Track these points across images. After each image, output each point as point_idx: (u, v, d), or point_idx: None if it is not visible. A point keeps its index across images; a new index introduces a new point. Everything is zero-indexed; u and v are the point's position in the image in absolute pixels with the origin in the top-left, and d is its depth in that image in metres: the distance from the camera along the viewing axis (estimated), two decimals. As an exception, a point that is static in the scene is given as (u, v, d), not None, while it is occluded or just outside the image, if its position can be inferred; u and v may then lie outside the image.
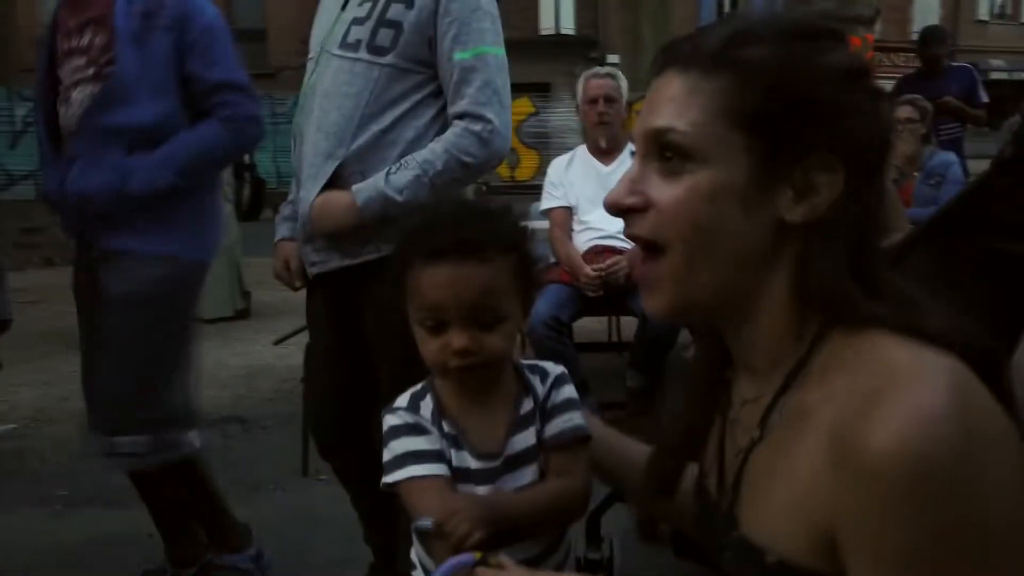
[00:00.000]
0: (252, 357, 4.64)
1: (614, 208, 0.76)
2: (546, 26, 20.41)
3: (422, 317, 0.96)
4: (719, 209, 0.70)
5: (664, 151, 0.73)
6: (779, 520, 0.69)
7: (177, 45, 1.85)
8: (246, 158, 5.96)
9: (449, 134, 1.64)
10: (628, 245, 3.06)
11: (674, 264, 0.73)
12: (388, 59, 1.64)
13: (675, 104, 0.72)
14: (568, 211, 3.22)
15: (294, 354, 4.27)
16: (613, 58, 15.58)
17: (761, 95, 0.70)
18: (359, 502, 1.91)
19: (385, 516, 1.71)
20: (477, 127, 1.62)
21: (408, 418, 0.98)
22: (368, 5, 1.68)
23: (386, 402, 1.67)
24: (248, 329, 5.36)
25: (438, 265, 0.94)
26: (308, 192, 1.69)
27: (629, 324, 3.55)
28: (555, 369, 1.05)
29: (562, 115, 16.09)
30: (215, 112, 1.88)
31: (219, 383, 4.17)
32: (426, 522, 0.90)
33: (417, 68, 1.66)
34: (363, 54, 1.66)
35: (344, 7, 1.73)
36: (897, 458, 0.58)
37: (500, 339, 0.96)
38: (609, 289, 2.98)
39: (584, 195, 3.18)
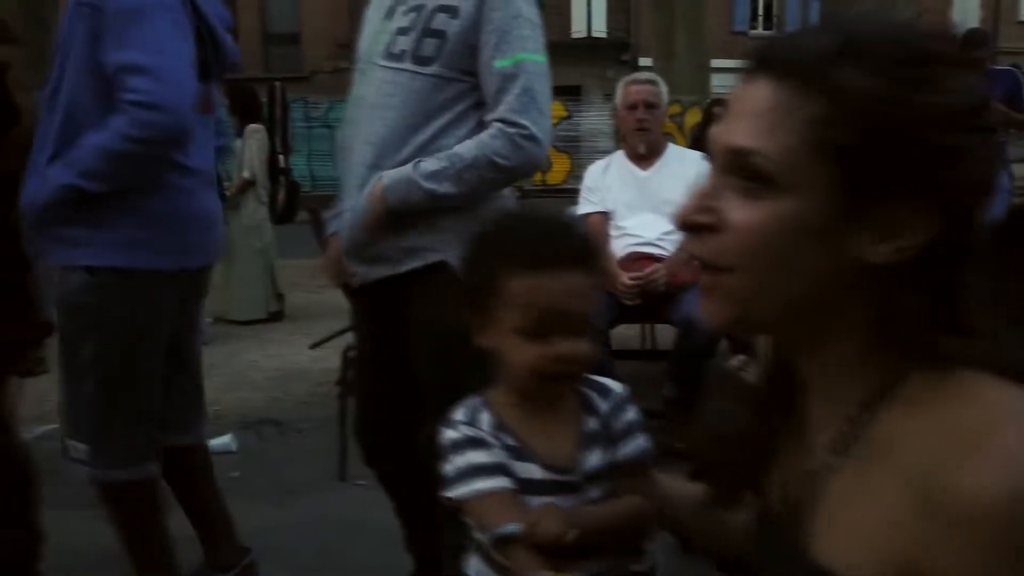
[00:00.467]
0: (286, 359, 4.67)
1: (683, 225, 0.73)
2: (578, 29, 20.41)
3: (525, 325, 0.96)
4: (794, 241, 0.66)
5: (745, 171, 0.68)
6: (850, 549, 0.67)
7: (93, 33, 1.67)
8: (281, 161, 5.97)
9: (484, 134, 1.63)
10: (666, 252, 3.04)
11: (738, 284, 0.70)
12: (432, 69, 1.64)
13: (765, 122, 0.67)
14: (605, 217, 3.20)
15: (329, 357, 4.29)
16: (645, 61, 15.56)
17: (861, 131, 0.64)
18: (403, 511, 1.91)
19: (430, 526, 1.71)
20: (511, 131, 1.62)
21: (468, 432, 0.98)
22: (412, 15, 1.68)
23: (427, 413, 1.68)
24: (282, 331, 5.40)
25: (550, 273, 0.95)
26: (354, 200, 1.69)
27: (662, 331, 3.52)
28: (616, 387, 1.05)
29: (593, 119, 16.07)
30: (120, 101, 1.65)
31: (253, 385, 4.20)
32: (510, 528, 0.89)
33: (461, 77, 1.65)
34: (408, 64, 1.65)
35: (388, 17, 1.73)
36: (995, 503, 0.56)
37: (591, 346, 0.98)
38: (647, 297, 2.95)
39: (621, 201, 3.15)
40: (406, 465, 1.73)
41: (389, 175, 1.63)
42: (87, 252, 1.72)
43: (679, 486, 1.01)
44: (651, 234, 3.03)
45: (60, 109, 1.70)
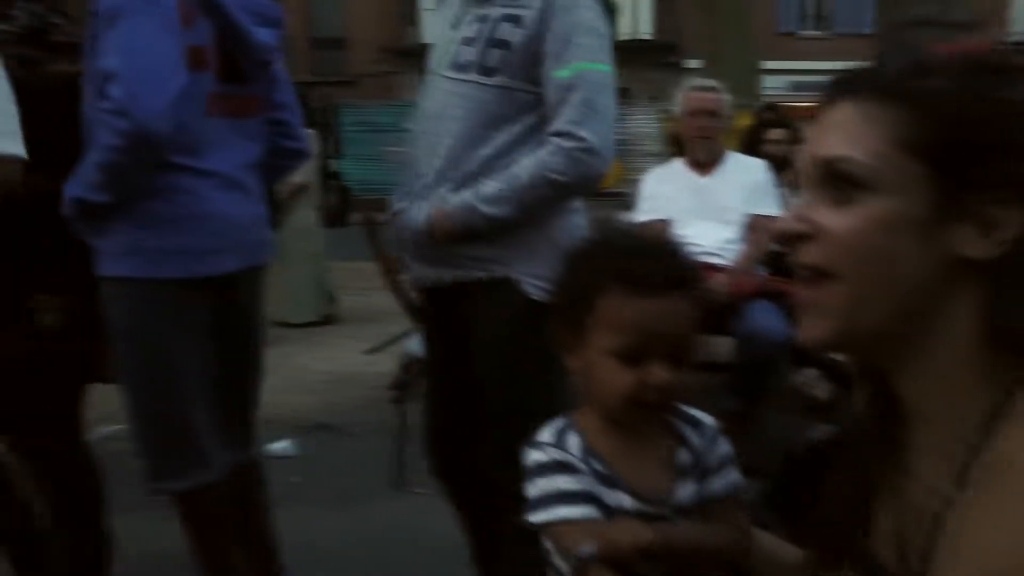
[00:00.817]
0: (339, 363, 4.70)
1: (782, 236, 0.74)
2: (624, 31, 20.28)
3: (621, 348, 0.93)
4: (892, 240, 0.68)
5: (836, 180, 0.70)
6: None
7: (93, 42, 1.65)
8: (331, 165, 6.02)
9: (541, 151, 1.61)
10: (727, 262, 2.98)
11: (842, 293, 0.70)
12: (497, 79, 1.63)
13: (849, 132, 0.70)
14: (664, 224, 3.15)
15: (382, 360, 4.30)
16: (692, 63, 15.40)
17: (943, 127, 0.67)
18: (471, 526, 1.89)
19: (498, 543, 1.69)
20: (569, 144, 1.58)
21: (556, 455, 0.95)
22: (478, 25, 1.66)
23: (491, 429, 1.66)
24: (334, 334, 5.44)
25: (651, 296, 0.92)
26: (418, 212, 1.68)
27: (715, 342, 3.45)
28: (708, 420, 1.02)
29: (641, 121, 15.94)
30: (101, 109, 1.63)
31: (307, 389, 4.23)
32: (588, 548, 0.88)
33: (527, 88, 1.64)
34: (473, 75, 1.64)
35: (455, 27, 1.72)
36: None
37: (685, 376, 0.95)
38: (708, 308, 2.89)
39: (681, 208, 3.09)
40: (476, 479, 1.71)
41: (452, 202, 1.62)
42: (103, 263, 1.72)
43: (770, 541, 0.98)
44: (712, 243, 2.97)
45: (86, 123, 1.71)
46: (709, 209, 3.06)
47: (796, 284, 0.75)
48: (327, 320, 5.74)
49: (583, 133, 1.58)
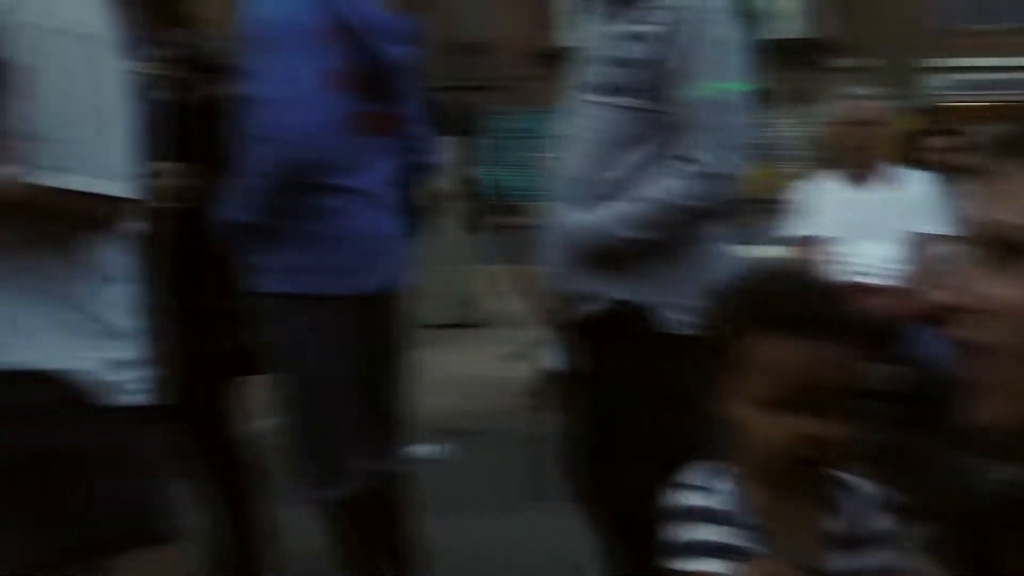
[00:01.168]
0: (475, 367, 4.74)
1: (942, 308, 0.69)
2: (774, 30, 19.63)
3: (770, 395, 0.87)
4: None
5: (1003, 247, 0.65)
6: None
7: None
8: (473, 171, 6.14)
9: (666, 174, 1.58)
10: (888, 282, 2.81)
11: (1016, 372, 0.64)
12: (625, 99, 1.61)
13: (1017, 195, 0.65)
14: (819, 241, 3.00)
15: (518, 366, 4.32)
16: (846, 62, 14.71)
17: None
18: (607, 553, 1.86)
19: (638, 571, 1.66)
20: (687, 168, 1.56)
21: (706, 502, 0.91)
22: (607, 43, 1.66)
23: (624, 459, 1.63)
24: (471, 338, 5.51)
25: (806, 340, 0.86)
26: (556, 236, 1.70)
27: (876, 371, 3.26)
28: (872, 490, 0.95)
29: (791, 125, 15.39)
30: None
31: (444, 393, 4.28)
32: None
33: (656, 107, 1.60)
34: (601, 96, 1.64)
35: (591, 48, 1.73)
36: None
37: (843, 431, 0.88)
38: (866, 333, 2.73)
39: (838, 224, 2.94)
40: (615, 506, 1.69)
41: (583, 222, 1.63)
42: (255, 279, 1.81)
43: None
44: (871, 262, 2.82)
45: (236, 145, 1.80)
46: (868, 226, 2.90)
47: (963, 358, 0.69)
48: (466, 324, 5.84)
49: (704, 156, 1.55)
